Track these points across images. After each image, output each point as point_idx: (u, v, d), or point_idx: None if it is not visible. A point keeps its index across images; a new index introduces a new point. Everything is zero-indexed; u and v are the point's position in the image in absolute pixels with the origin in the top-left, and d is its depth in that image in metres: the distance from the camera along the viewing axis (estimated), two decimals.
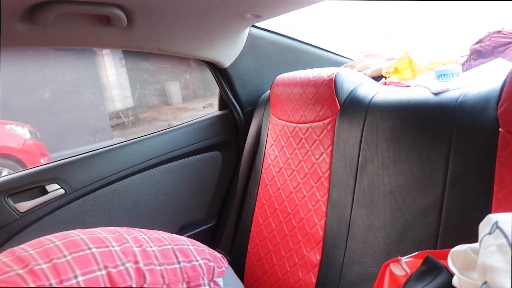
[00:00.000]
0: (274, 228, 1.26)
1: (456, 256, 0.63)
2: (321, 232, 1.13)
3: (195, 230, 1.50)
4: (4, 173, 3.64)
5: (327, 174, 1.15)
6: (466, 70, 1.15)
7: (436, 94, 0.97)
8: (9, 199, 1.16)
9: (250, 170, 1.41)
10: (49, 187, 1.20)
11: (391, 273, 0.73)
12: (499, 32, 1.17)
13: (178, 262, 0.88)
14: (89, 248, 0.79)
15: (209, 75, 1.52)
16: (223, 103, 1.56)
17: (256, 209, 1.33)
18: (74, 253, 0.76)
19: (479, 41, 1.20)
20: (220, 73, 1.47)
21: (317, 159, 1.18)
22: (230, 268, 1.03)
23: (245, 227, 1.35)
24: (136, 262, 0.81)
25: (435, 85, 1.01)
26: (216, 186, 1.55)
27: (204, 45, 1.31)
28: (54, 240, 0.79)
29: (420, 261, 0.71)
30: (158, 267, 0.84)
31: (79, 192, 1.25)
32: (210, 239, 1.54)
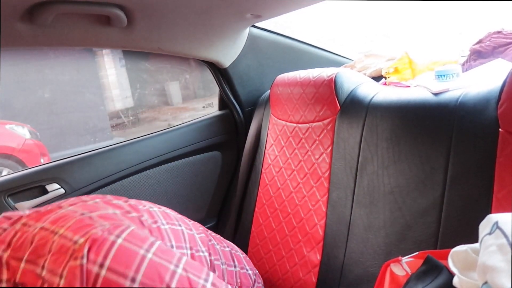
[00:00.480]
0: (274, 228, 1.26)
1: (457, 256, 0.63)
2: (321, 232, 1.13)
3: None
4: (4, 173, 3.64)
5: (327, 174, 1.15)
6: (466, 70, 1.15)
7: (436, 94, 0.97)
8: (9, 199, 1.16)
9: (250, 170, 1.41)
10: (49, 187, 1.20)
11: (392, 273, 0.73)
12: (499, 32, 1.17)
13: (235, 266, 0.91)
14: (180, 225, 0.81)
15: (209, 75, 1.52)
16: (223, 103, 1.56)
17: (256, 209, 1.33)
18: (170, 224, 0.78)
19: (479, 42, 1.20)
20: (220, 73, 1.47)
21: (317, 159, 1.18)
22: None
23: (245, 227, 1.35)
24: (210, 254, 0.84)
25: (435, 85, 1.01)
26: (216, 186, 1.55)
27: (204, 45, 1.32)
28: (150, 205, 0.81)
29: (421, 261, 0.71)
30: (222, 265, 0.87)
31: (79, 192, 1.25)
32: None
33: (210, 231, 0.96)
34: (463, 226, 0.84)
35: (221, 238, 0.98)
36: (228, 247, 0.95)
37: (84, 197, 0.73)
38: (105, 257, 0.56)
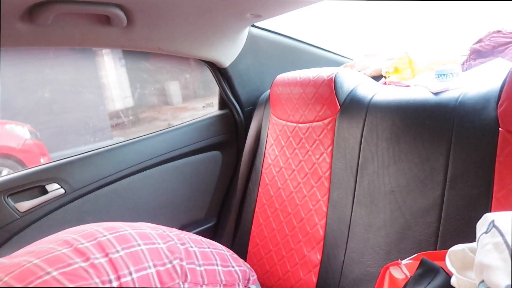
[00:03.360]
0: (275, 228, 1.26)
1: (454, 256, 0.63)
2: (321, 232, 1.13)
3: (195, 229, 1.50)
4: (4, 173, 3.64)
5: (327, 174, 1.15)
6: (466, 70, 1.15)
7: (436, 93, 0.97)
8: (9, 199, 1.16)
9: (250, 170, 1.41)
10: (49, 187, 1.20)
11: (391, 276, 0.73)
12: (498, 32, 1.17)
13: (217, 265, 0.90)
14: (139, 245, 0.79)
15: (209, 75, 1.52)
16: (223, 103, 1.56)
17: (256, 209, 1.33)
18: (126, 249, 0.76)
19: (479, 41, 1.20)
20: (220, 72, 1.47)
21: (317, 159, 1.18)
22: (258, 282, 1.06)
23: (245, 226, 1.35)
24: (182, 260, 0.82)
25: (435, 85, 1.01)
26: (216, 186, 1.55)
27: (204, 45, 1.31)
28: (104, 232, 0.78)
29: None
30: (198, 268, 0.85)
31: (79, 192, 1.25)
32: (210, 238, 1.53)
33: (189, 234, 0.94)
34: (463, 226, 0.84)
35: (202, 239, 0.96)
36: (209, 247, 0.93)
37: (25, 256, 0.70)
38: None
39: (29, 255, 0.70)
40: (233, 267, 0.95)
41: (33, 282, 0.63)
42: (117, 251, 0.75)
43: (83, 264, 0.69)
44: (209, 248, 0.93)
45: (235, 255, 1.01)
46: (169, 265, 0.79)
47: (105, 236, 0.77)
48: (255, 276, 1.01)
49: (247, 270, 0.98)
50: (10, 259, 0.70)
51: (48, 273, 0.65)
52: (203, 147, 1.50)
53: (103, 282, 0.68)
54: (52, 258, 0.69)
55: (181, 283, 0.80)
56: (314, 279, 1.12)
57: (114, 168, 1.32)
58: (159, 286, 0.75)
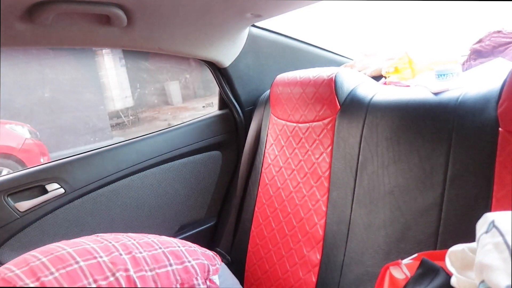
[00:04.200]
0: (274, 227, 1.26)
1: (454, 256, 0.63)
2: (321, 232, 1.13)
3: (195, 229, 1.50)
4: (4, 173, 3.64)
5: (327, 173, 1.15)
6: (466, 70, 1.15)
7: (436, 94, 0.97)
8: (9, 199, 1.16)
9: (250, 170, 1.41)
10: (49, 187, 1.20)
11: (391, 276, 0.73)
12: (499, 32, 1.17)
13: (170, 265, 0.87)
14: (77, 262, 0.77)
15: (209, 75, 1.52)
16: (223, 103, 1.56)
17: (256, 208, 1.33)
18: (61, 269, 0.74)
19: (479, 41, 1.20)
20: (220, 72, 1.47)
21: (317, 158, 1.18)
22: (225, 265, 1.03)
23: (245, 226, 1.36)
24: (126, 270, 0.80)
25: (435, 85, 1.01)
26: (216, 186, 1.55)
27: (204, 45, 1.32)
28: (39, 256, 0.77)
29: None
30: (149, 273, 0.83)
31: (79, 192, 1.25)
32: (210, 238, 1.54)
33: (138, 238, 0.92)
34: (462, 226, 0.84)
35: (154, 240, 0.93)
36: (161, 247, 0.91)
37: None
38: None
39: None
40: (189, 262, 0.91)
41: None
42: (51, 273, 0.73)
43: None
44: (160, 248, 0.90)
45: (194, 247, 0.97)
46: (111, 278, 0.77)
47: (39, 259, 0.76)
48: (218, 265, 0.98)
49: (205, 262, 0.94)
50: None
51: None
52: (203, 147, 1.50)
53: None
54: None
55: None
56: (314, 279, 1.12)
57: (114, 168, 1.32)
58: None
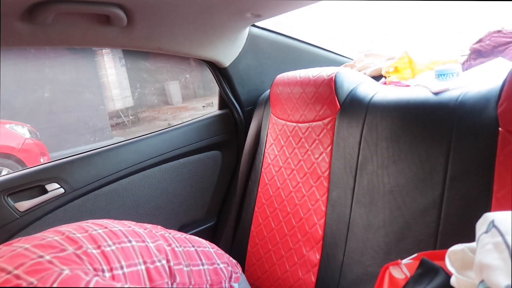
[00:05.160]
0: (274, 227, 1.26)
1: (454, 256, 0.63)
2: (320, 232, 1.13)
3: (195, 229, 1.50)
4: (3, 173, 3.64)
5: (326, 173, 1.15)
6: (466, 69, 1.15)
7: (436, 93, 0.97)
8: (8, 199, 1.16)
9: (250, 170, 1.41)
10: (48, 187, 1.20)
11: (391, 276, 0.73)
12: (499, 31, 1.17)
13: (202, 264, 0.89)
14: (129, 241, 0.78)
15: (209, 75, 1.52)
16: (223, 103, 1.56)
17: (255, 208, 1.33)
18: (117, 244, 0.76)
19: (479, 41, 1.20)
20: (220, 72, 1.47)
21: (317, 158, 1.18)
22: (243, 275, 1.05)
23: (245, 226, 1.36)
24: (168, 261, 0.81)
25: (435, 85, 1.01)
26: (216, 186, 1.55)
27: (204, 45, 1.32)
28: (95, 227, 0.78)
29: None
30: (185, 268, 0.84)
31: (79, 192, 1.25)
32: (210, 238, 1.53)
33: (173, 233, 0.94)
34: (462, 225, 0.84)
35: (187, 237, 0.95)
36: (193, 246, 0.92)
37: (15, 244, 0.69)
38: None
39: (19, 242, 0.69)
40: (218, 264, 0.93)
41: (25, 264, 0.61)
42: (109, 245, 0.74)
43: (76, 251, 0.68)
44: (193, 247, 0.92)
45: (220, 251, 0.99)
46: (158, 264, 0.79)
47: (96, 230, 0.77)
48: (239, 273, 1.00)
49: (230, 268, 0.96)
50: None
51: (41, 256, 0.64)
52: (203, 147, 1.50)
53: (95, 270, 0.68)
54: (45, 244, 0.68)
55: (169, 282, 0.79)
56: (313, 279, 1.12)
57: (114, 168, 1.32)
58: (147, 283, 0.75)
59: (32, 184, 1.19)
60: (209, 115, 1.56)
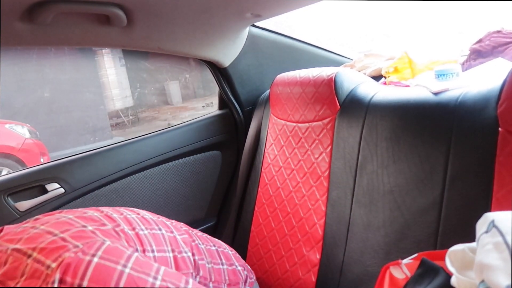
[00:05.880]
0: (274, 227, 1.26)
1: (454, 256, 0.63)
2: (320, 232, 1.13)
3: (195, 229, 1.50)
4: (3, 173, 3.64)
5: (326, 173, 1.15)
6: (466, 69, 1.15)
7: (435, 93, 0.97)
8: (9, 198, 1.16)
9: (249, 170, 1.41)
10: (49, 186, 1.20)
11: (391, 276, 0.73)
12: (498, 32, 1.17)
13: (222, 264, 0.92)
14: (160, 229, 0.81)
15: (208, 75, 1.52)
16: (223, 103, 1.56)
17: (255, 208, 1.33)
18: (149, 229, 0.78)
19: (479, 41, 1.20)
20: (220, 72, 1.47)
21: (317, 158, 1.18)
22: (257, 283, 1.06)
23: (245, 226, 1.36)
24: (193, 254, 0.84)
25: (435, 85, 1.01)
26: (216, 186, 1.55)
27: (204, 45, 1.32)
28: (129, 212, 0.81)
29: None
30: (207, 265, 0.87)
31: (79, 191, 1.25)
32: None
33: (196, 231, 0.96)
34: (462, 225, 0.84)
35: (208, 237, 0.98)
36: (214, 245, 0.95)
37: (57, 214, 0.72)
38: (82, 278, 0.56)
39: (62, 213, 0.72)
40: (236, 266, 0.96)
41: (70, 230, 0.64)
42: (142, 230, 0.77)
43: (115, 228, 0.71)
44: (214, 246, 0.95)
45: (238, 255, 1.02)
46: (184, 254, 0.81)
47: (129, 215, 0.80)
48: (253, 279, 1.02)
49: (245, 273, 0.99)
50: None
51: (84, 226, 0.67)
52: (203, 146, 1.50)
53: (131, 247, 0.70)
54: (87, 217, 0.71)
55: (194, 274, 0.81)
56: (314, 279, 1.12)
57: (114, 168, 1.32)
58: (174, 270, 0.77)
59: (32, 184, 1.19)
60: (209, 115, 1.56)
